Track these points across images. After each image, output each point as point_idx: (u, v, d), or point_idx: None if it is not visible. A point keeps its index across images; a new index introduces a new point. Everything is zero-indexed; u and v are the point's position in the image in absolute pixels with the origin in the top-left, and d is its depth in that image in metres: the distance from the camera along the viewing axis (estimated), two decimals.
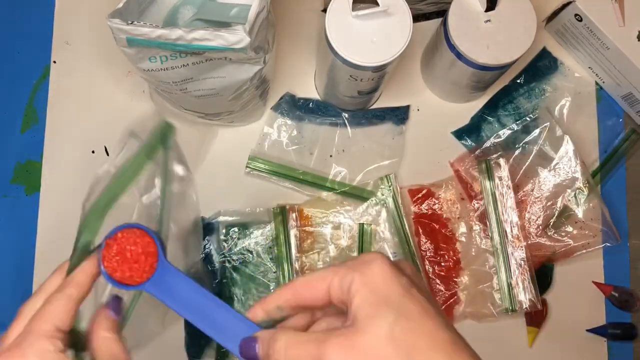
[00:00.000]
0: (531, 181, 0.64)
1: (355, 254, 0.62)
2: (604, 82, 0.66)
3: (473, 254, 0.63)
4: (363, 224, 0.62)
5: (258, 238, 0.62)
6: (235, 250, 0.61)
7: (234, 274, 0.61)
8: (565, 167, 0.64)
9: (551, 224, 0.63)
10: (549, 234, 0.63)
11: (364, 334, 0.31)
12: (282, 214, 0.62)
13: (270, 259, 0.62)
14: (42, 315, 0.36)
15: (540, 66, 0.67)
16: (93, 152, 0.64)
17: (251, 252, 0.62)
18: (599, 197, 0.64)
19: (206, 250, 0.61)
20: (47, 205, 0.63)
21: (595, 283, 0.63)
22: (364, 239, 0.62)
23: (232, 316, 0.37)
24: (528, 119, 0.65)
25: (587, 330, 0.63)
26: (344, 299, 0.34)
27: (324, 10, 0.55)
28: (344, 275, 0.34)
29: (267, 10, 0.46)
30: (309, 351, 0.32)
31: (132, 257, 0.38)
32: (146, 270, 0.38)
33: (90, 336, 0.38)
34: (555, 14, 0.65)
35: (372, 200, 0.63)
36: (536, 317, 0.62)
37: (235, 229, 0.62)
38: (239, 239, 0.62)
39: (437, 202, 0.64)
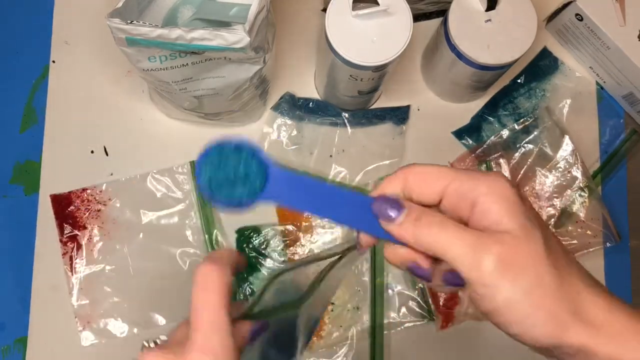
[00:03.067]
0: (531, 181, 0.64)
1: None
2: (604, 81, 0.66)
3: None
4: None
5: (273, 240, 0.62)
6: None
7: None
8: (565, 167, 0.64)
9: (552, 224, 0.63)
10: None
11: (524, 243, 0.31)
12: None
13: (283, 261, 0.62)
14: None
15: (541, 66, 0.67)
16: (92, 152, 0.64)
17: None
18: (600, 198, 0.64)
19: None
20: (47, 205, 0.62)
21: None
22: None
23: (360, 199, 0.34)
24: (528, 119, 0.65)
25: None
26: (461, 205, 0.33)
27: (324, 10, 0.55)
28: (466, 180, 0.33)
29: (267, 10, 0.46)
30: (467, 243, 0.31)
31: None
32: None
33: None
34: (556, 13, 0.65)
35: None
36: None
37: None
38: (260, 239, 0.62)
39: None
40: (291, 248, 0.62)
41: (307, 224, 0.62)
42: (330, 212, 0.35)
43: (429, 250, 0.32)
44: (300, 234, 0.62)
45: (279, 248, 0.62)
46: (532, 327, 0.31)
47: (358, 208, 0.34)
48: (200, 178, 0.34)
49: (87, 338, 0.60)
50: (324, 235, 0.62)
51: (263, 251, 0.61)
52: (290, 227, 0.62)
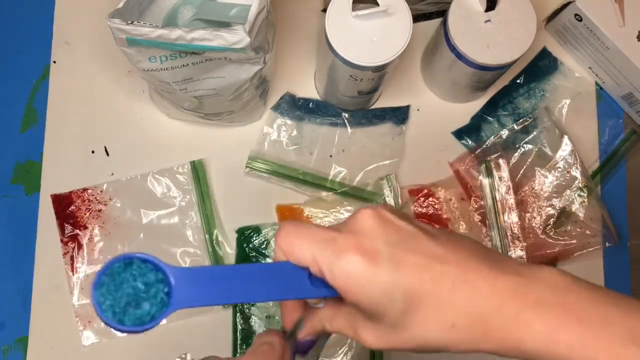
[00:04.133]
0: (531, 181, 0.64)
1: None
2: (604, 82, 0.66)
3: None
4: None
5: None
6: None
7: None
8: (564, 167, 0.64)
9: (551, 224, 0.63)
10: (549, 234, 0.63)
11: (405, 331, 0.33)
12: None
13: None
14: None
15: (540, 66, 0.67)
16: (93, 152, 0.64)
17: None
18: (599, 198, 0.64)
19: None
20: (47, 205, 0.63)
21: None
22: None
23: (272, 267, 0.35)
24: (528, 119, 0.65)
25: None
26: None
27: (324, 10, 0.55)
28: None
29: (267, 10, 0.46)
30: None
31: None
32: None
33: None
34: (555, 14, 0.65)
35: (373, 202, 0.63)
36: None
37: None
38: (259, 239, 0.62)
39: (437, 202, 0.64)
40: None
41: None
42: (247, 293, 0.34)
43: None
44: None
45: None
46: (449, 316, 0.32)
47: (274, 277, 0.34)
48: (101, 309, 0.31)
49: (88, 338, 0.60)
50: None
51: (263, 251, 0.61)
52: None
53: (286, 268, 0.34)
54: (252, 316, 0.61)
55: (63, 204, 0.62)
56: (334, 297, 0.34)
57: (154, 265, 0.32)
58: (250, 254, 0.61)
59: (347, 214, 0.63)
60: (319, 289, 0.35)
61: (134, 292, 0.31)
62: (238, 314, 0.60)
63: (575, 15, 0.62)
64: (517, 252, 0.62)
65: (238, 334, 0.60)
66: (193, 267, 0.33)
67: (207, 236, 0.62)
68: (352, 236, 0.33)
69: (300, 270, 0.34)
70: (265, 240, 0.62)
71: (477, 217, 0.63)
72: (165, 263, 0.32)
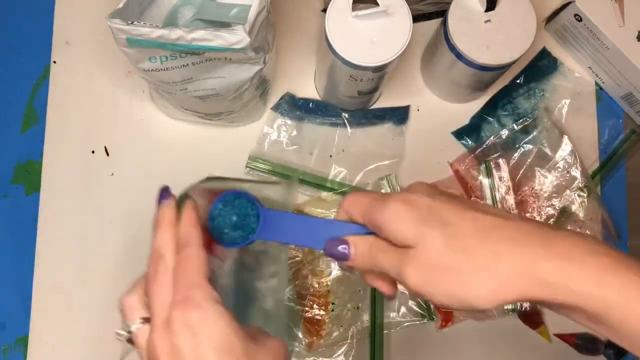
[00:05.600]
0: (531, 181, 0.64)
1: None
2: (603, 82, 0.66)
3: None
4: None
5: None
6: None
7: None
8: (564, 167, 0.64)
9: (551, 223, 0.63)
10: None
11: (426, 251, 0.35)
12: None
13: None
14: (189, 270, 0.36)
15: (540, 66, 0.67)
16: (93, 152, 0.64)
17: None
18: (599, 198, 0.64)
19: None
20: (47, 205, 0.63)
21: (558, 335, 0.62)
22: None
23: (336, 226, 0.41)
24: (527, 119, 0.65)
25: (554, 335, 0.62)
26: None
27: (324, 10, 0.55)
28: (371, 212, 0.38)
29: (267, 10, 0.46)
30: (393, 265, 0.37)
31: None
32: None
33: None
34: (555, 14, 0.65)
35: None
36: (533, 318, 0.62)
37: None
38: None
39: None
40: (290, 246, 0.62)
41: None
42: (307, 240, 0.42)
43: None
44: None
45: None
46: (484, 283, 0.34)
47: (333, 231, 0.40)
48: (213, 225, 0.41)
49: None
50: None
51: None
52: None
53: (344, 226, 0.40)
54: None
55: None
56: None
57: (252, 203, 0.42)
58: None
59: None
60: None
61: (236, 221, 0.42)
62: None
63: (575, 15, 0.62)
64: None
65: None
66: (278, 211, 0.42)
67: None
68: (401, 193, 0.38)
69: (356, 228, 0.40)
70: (264, 240, 0.62)
71: None
72: (260, 204, 0.42)
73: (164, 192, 0.40)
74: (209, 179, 0.46)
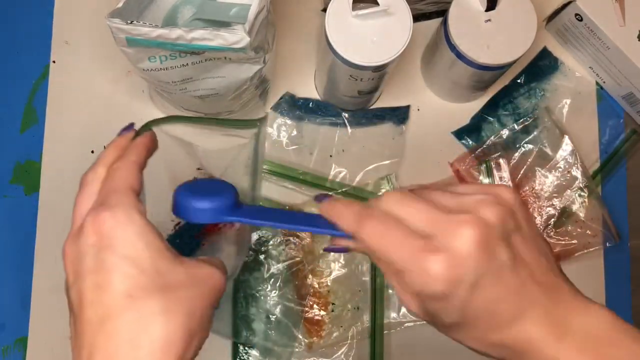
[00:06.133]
0: (531, 181, 0.64)
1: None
2: (604, 82, 0.66)
3: None
4: None
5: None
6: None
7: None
8: (565, 167, 0.64)
9: (551, 224, 0.63)
10: (550, 234, 0.63)
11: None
12: None
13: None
14: (115, 178, 0.35)
15: (541, 66, 0.67)
16: (92, 152, 0.64)
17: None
18: (599, 198, 0.64)
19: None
20: (47, 205, 0.63)
21: None
22: None
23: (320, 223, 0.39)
24: (528, 119, 0.65)
25: None
26: None
27: (324, 10, 0.55)
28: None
29: (267, 10, 0.46)
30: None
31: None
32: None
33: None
34: (556, 13, 0.65)
35: None
36: None
37: None
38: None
39: None
40: (290, 246, 0.62)
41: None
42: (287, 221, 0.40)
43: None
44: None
45: (277, 242, 0.62)
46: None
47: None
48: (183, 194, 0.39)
49: None
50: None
51: (262, 249, 0.61)
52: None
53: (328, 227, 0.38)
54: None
55: None
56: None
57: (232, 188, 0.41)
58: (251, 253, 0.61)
59: None
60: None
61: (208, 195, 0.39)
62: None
63: (576, 15, 0.62)
64: None
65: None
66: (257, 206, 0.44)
67: None
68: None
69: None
70: (265, 241, 0.62)
71: None
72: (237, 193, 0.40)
73: (128, 126, 0.39)
74: (171, 117, 0.46)
